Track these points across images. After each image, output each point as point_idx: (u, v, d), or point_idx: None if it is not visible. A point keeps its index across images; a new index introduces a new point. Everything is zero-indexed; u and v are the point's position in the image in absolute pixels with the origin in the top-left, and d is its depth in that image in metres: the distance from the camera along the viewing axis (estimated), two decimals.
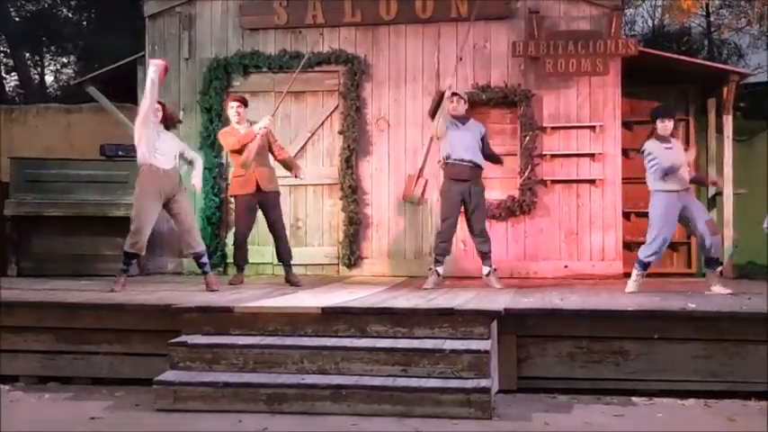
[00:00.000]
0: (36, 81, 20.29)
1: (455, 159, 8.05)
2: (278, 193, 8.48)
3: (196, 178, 8.01)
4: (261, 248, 9.87)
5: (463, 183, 8.04)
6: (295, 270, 8.72)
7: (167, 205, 7.84)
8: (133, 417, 5.57)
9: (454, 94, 8.20)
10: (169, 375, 5.83)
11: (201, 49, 10.31)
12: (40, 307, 6.78)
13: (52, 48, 20.07)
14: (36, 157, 10.34)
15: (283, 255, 8.49)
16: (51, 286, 8.09)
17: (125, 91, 10.70)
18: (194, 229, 8.05)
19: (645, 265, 7.68)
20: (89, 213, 9.58)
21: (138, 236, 7.68)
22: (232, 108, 8.44)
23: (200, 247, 8.00)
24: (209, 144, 10.08)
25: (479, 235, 8.11)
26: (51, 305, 6.80)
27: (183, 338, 6.13)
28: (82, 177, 9.75)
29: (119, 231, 9.62)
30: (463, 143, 8.06)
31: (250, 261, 8.97)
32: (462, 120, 8.18)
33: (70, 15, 19.90)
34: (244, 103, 8.52)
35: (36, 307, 6.78)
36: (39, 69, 20.61)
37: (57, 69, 20.98)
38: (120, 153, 9.90)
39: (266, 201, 8.36)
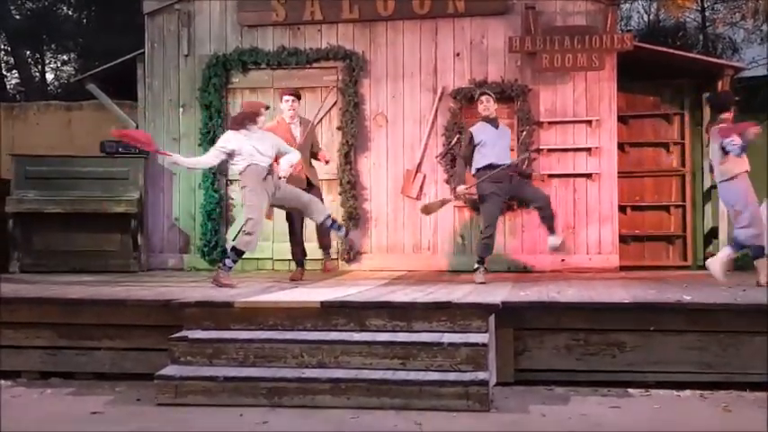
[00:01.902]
0: (37, 79, 20.30)
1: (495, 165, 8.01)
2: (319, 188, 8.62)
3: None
4: (260, 244, 9.85)
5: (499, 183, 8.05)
6: (293, 265, 8.81)
7: (274, 197, 7.75)
8: (134, 411, 5.62)
9: (483, 93, 8.18)
10: (170, 370, 5.88)
11: (200, 46, 10.35)
12: (42, 303, 6.82)
13: (53, 45, 20.06)
14: (37, 155, 10.39)
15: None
16: (52, 282, 8.14)
17: (125, 88, 10.74)
18: (312, 201, 7.87)
19: (742, 247, 7.71)
20: (90, 210, 9.63)
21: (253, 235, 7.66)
22: (287, 102, 8.35)
23: (322, 216, 7.82)
24: (209, 140, 10.09)
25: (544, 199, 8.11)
26: (53, 301, 6.85)
27: (183, 333, 6.17)
28: (82, 174, 9.81)
29: (119, 227, 9.73)
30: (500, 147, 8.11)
31: (250, 257, 9.01)
32: (494, 122, 8.19)
33: (70, 13, 19.90)
34: (297, 96, 8.46)
35: (37, 303, 6.83)
36: (39, 67, 20.60)
37: (57, 67, 20.98)
38: (120, 150, 9.95)
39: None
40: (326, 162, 8.71)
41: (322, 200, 8.45)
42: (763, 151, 11.08)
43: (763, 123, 10.05)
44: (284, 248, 8.87)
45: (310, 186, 8.39)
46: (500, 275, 8.89)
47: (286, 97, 8.41)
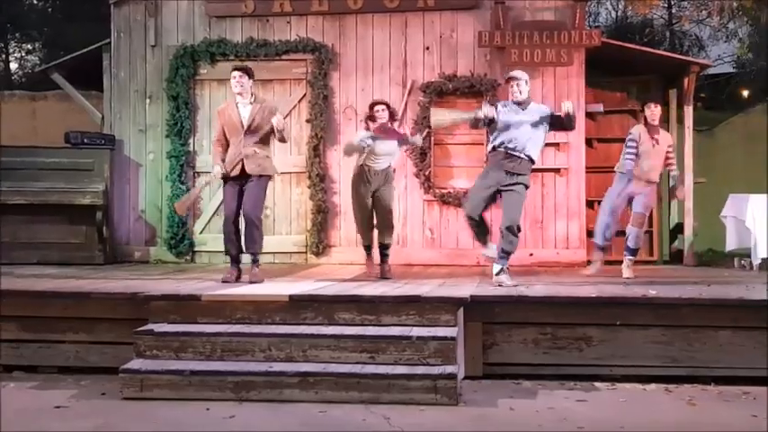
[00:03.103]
0: (0, 68, 20.05)
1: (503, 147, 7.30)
2: (260, 177, 7.51)
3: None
4: None
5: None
6: (263, 258, 8.68)
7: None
8: (99, 405, 5.57)
9: (510, 78, 7.40)
10: (135, 364, 5.83)
11: (168, 37, 10.24)
12: (5, 295, 6.72)
13: (17, 34, 19.84)
14: (0, 145, 10.23)
15: (244, 242, 7.64)
16: (16, 275, 8.02)
17: (91, 78, 10.62)
18: (385, 225, 8.01)
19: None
20: (55, 201, 9.51)
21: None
22: (234, 78, 7.51)
23: (387, 241, 8.03)
24: (176, 132, 10.04)
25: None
26: (16, 293, 6.75)
27: (149, 327, 6.13)
28: (47, 165, 9.67)
29: (85, 219, 9.62)
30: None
31: (218, 249, 8.90)
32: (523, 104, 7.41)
33: (35, 2, 19.69)
34: (247, 72, 7.55)
35: (0, 295, 6.72)
36: (3, 56, 20.36)
37: (21, 56, 20.76)
38: (85, 141, 9.82)
39: (246, 183, 7.51)
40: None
41: (261, 199, 7.59)
42: (722, 150, 11.27)
43: (732, 119, 10.21)
44: None
45: (244, 175, 7.49)
46: (469, 269, 8.92)
47: (233, 73, 7.58)
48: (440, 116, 7.56)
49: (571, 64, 9.53)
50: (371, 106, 8.08)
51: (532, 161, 7.35)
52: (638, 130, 8.27)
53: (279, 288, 6.82)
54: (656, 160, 8.19)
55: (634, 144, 8.15)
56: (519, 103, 7.32)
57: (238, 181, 7.54)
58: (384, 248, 8.05)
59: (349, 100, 9.97)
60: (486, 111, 7.16)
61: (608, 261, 9.73)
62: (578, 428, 4.99)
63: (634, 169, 8.10)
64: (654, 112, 8.25)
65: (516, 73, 7.41)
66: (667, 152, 8.26)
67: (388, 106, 8.03)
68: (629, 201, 8.27)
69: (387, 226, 8.01)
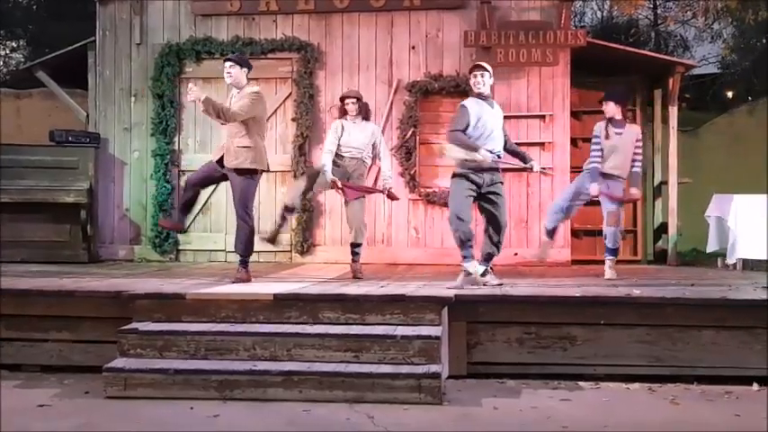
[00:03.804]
0: None
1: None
2: (241, 171, 7.16)
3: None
4: (213, 235, 9.89)
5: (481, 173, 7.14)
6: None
7: None
8: (82, 404, 5.55)
9: (477, 66, 7.24)
10: (119, 362, 5.81)
11: (153, 35, 10.21)
12: None
13: (1, 32, 19.72)
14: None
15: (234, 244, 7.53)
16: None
17: (76, 76, 10.57)
18: (355, 224, 7.91)
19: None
20: (39, 200, 9.47)
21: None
22: (224, 69, 7.21)
23: (357, 240, 7.92)
24: (161, 130, 10.02)
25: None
26: (0, 292, 6.72)
27: (133, 325, 6.10)
28: (32, 163, 9.63)
29: (69, 218, 9.58)
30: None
31: (203, 248, 8.89)
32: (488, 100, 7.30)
33: None
34: (237, 62, 7.23)
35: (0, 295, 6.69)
36: None
37: (6, 54, 20.63)
38: (69, 139, 9.79)
39: (229, 178, 7.30)
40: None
41: (244, 196, 7.22)
42: (707, 150, 11.31)
43: (716, 120, 10.25)
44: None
45: (224, 166, 7.24)
46: (454, 268, 8.92)
47: (225, 64, 7.26)
48: (454, 153, 7.14)
49: (557, 64, 9.56)
50: (342, 99, 8.01)
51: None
52: (600, 126, 8.09)
53: (263, 287, 6.81)
54: (619, 157, 8.00)
55: (598, 141, 8.03)
56: (484, 98, 7.21)
57: (215, 165, 7.34)
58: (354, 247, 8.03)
59: (335, 99, 9.87)
60: (483, 154, 7.02)
61: (591, 260, 9.81)
62: (562, 428, 5.00)
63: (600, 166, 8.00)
64: (607, 108, 8.02)
65: (483, 63, 7.32)
66: (635, 146, 8.07)
67: (358, 99, 7.94)
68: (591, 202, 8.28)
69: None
